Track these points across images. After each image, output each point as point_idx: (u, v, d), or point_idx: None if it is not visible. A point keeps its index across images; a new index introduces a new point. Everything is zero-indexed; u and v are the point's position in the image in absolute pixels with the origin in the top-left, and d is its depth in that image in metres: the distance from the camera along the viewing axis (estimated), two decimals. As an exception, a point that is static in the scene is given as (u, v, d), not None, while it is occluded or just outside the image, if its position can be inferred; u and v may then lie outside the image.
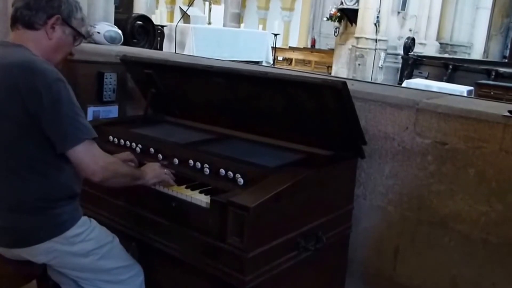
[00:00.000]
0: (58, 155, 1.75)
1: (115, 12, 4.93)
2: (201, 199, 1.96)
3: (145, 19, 5.31)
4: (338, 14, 12.96)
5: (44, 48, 1.85)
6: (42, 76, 1.70)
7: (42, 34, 1.85)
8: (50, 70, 1.74)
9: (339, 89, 2.00)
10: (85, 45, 3.14)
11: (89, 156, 1.75)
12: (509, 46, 14.97)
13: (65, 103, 1.71)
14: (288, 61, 16.27)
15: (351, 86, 2.11)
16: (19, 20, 1.84)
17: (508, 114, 2.11)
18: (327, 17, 13.81)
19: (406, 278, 2.49)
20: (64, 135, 1.72)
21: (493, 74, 9.12)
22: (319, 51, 16.90)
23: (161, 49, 7.84)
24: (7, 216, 1.81)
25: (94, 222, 1.98)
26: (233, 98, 2.50)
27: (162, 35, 8.34)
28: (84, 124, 1.76)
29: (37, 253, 1.84)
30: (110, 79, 3.44)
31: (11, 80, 1.70)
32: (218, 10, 13.42)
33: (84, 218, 1.93)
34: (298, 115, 2.27)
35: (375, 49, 11.55)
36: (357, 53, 11.87)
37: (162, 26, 8.74)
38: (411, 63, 10.75)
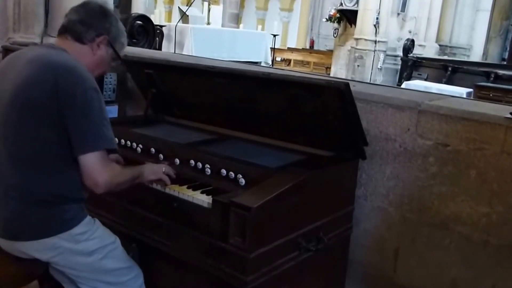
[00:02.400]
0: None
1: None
2: (203, 199, 1.96)
3: (145, 19, 5.32)
4: (338, 15, 12.95)
5: (86, 62, 1.94)
6: (81, 81, 1.79)
7: (88, 49, 1.96)
8: (89, 78, 1.83)
9: (341, 90, 2.00)
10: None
11: (98, 167, 1.78)
12: (508, 49, 14.94)
13: (95, 110, 1.78)
14: (287, 62, 16.23)
15: (352, 87, 2.11)
16: (69, 31, 1.95)
17: (510, 116, 2.11)
18: (326, 18, 13.79)
19: (406, 279, 2.49)
20: (84, 138, 1.77)
21: (492, 76, 9.12)
22: (318, 52, 16.85)
23: (160, 49, 7.84)
24: (16, 207, 1.82)
25: (98, 222, 2.00)
26: (235, 99, 2.50)
27: (161, 35, 8.34)
28: (107, 135, 1.81)
29: (42, 248, 1.84)
30: (110, 79, 3.44)
31: (51, 77, 1.76)
32: (217, 11, 13.41)
33: (89, 218, 1.94)
34: (299, 116, 2.27)
35: (374, 51, 11.52)
36: (356, 54, 11.86)
37: (161, 26, 8.73)
38: (410, 64, 10.74)
